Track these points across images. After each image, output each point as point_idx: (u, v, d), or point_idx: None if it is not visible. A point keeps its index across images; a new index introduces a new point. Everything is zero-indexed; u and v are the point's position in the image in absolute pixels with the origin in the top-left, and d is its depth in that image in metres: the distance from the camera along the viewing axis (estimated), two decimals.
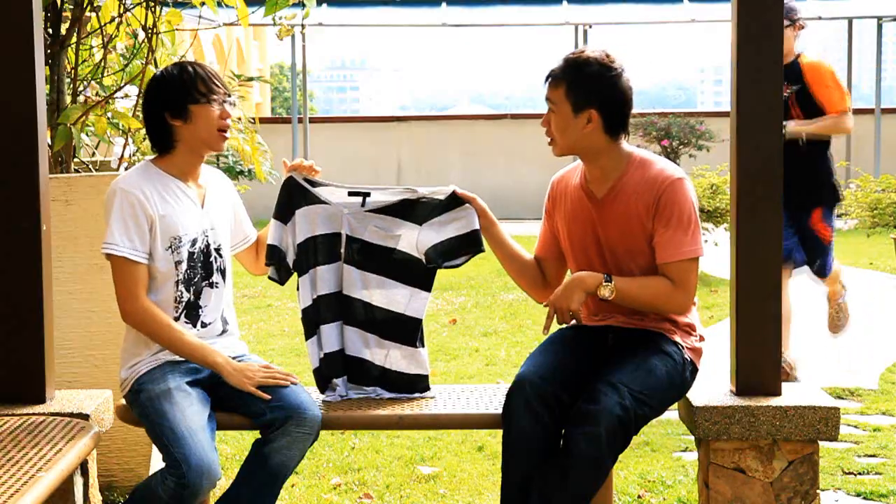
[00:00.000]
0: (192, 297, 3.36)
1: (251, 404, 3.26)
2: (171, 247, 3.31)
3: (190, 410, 3.15)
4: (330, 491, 4.50)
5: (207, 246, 3.39)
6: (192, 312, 3.36)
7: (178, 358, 3.30)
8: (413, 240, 3.51)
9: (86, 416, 3.49)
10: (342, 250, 3.52)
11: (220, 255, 3.44)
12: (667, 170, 3.37)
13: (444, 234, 3.50)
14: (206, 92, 3.33)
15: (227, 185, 3.56)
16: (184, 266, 3.33)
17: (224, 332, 3.45)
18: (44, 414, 3.46)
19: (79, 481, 3.41)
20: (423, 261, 3.51)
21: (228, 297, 3.49)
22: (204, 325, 3.38)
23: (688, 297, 3.34)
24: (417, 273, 3.52)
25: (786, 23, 5.25)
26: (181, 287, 3.33)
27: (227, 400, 3.31)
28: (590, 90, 3.32)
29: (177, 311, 3.33)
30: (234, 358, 3.41)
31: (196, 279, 3.36)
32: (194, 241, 3.35)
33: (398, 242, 3.51)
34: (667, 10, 18.90)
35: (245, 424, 3.32)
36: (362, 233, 3.52)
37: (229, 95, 3.38)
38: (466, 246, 3.49)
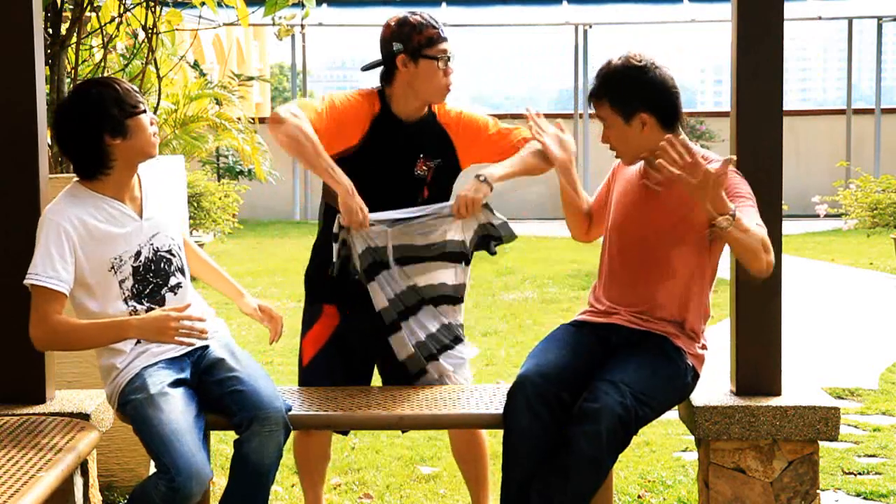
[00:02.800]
0: (154, 308, 3.30)
1: (223, 408, 3.26)
2: (112, 267, 3.27)
3: (174, 413, 3.14)
4: (330, 491, 4.50)
5: (155, 253, 3.34)
6: None
7: (152, 360, 3.27)
8: (458, 226, 3.62)
9: (86, 416, 3.49)
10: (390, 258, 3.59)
11: (173, 255, 3.39)
12: (716, 164, 3.34)
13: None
14: (136, 103, 3.28)
15: (165, 173, 3.47)
16: (129, 282, 3.28)
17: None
18: (44, 414, 3.46)
19: (79, 481, 3.41)
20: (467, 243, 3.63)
21: (191, 293, 3.45)
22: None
23: (772, 259, 3.25)
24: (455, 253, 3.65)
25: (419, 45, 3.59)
26: (132, 302, 3.29)
27: (207, 401, 3.30)
28: (631, 96, 3.32)
29: None
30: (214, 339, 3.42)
31: (148, 291, 3.30)
32: (137, 255, 3.30)
33: (445, 235, 3.61)
34: (667, 10, 18.91)
35: (228, 425, 3.30)
36: (409, 240, 3.61)
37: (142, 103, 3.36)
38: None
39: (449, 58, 3.62)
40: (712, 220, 3.13)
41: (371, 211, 3.55)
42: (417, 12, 3.67)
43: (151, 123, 3.31)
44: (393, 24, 3.68)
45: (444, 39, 3.62)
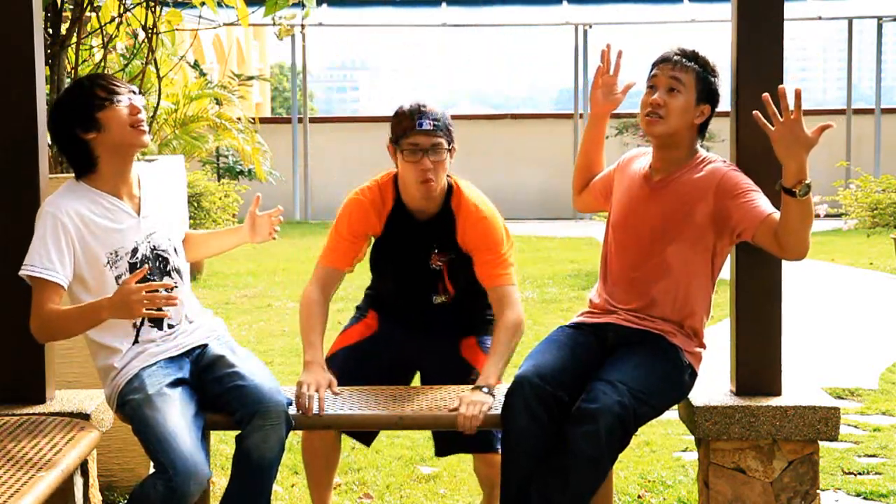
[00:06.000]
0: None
1: (224, 405, 3.27)
2: (109, 262, 3.27)
3: (172, 413, 3.14)
4: None
5: (153, 251, 3.35)
6: (155, 319, 3.31)
7: (151, 361, 3.28)
8: None
9: (86, 416, 3.49)
10: None
11: (171, 255, 3.39)
12: (720, 162, 3.45)
13: None
14: (107, 94, 3.27)
15: (166, 174, 3.45)
16: (125, 279, 3.26)
17: (190, 323, 3.42)
18: (44, 414, 3.46)
19: (79, 481, 3.41)
20: None
21: (188, 292, 3.45)
22: (171, 327, 3.36)
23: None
24: None
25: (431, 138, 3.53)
26: None
27: (207, 399, 3.31)
28: (712, 88, 3.43)
29: (133, 324, 3.30)
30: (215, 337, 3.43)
31: (142, 276, 3.29)
32: (134, 252, 3.31)
33: None
34: (667, 10, 18.91)
35: (228, 424, 3.30)
36: None
37: (134, 92, 3.33)
38: None
39: (424, 150, 3.51)
40: (792, 186, 3.10)
41: (394, 305, 3.73)
42: (419, 101, 3.59)
43: (133, 113, 3.28)
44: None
45: (420, 132, 3.51)
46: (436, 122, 3.52)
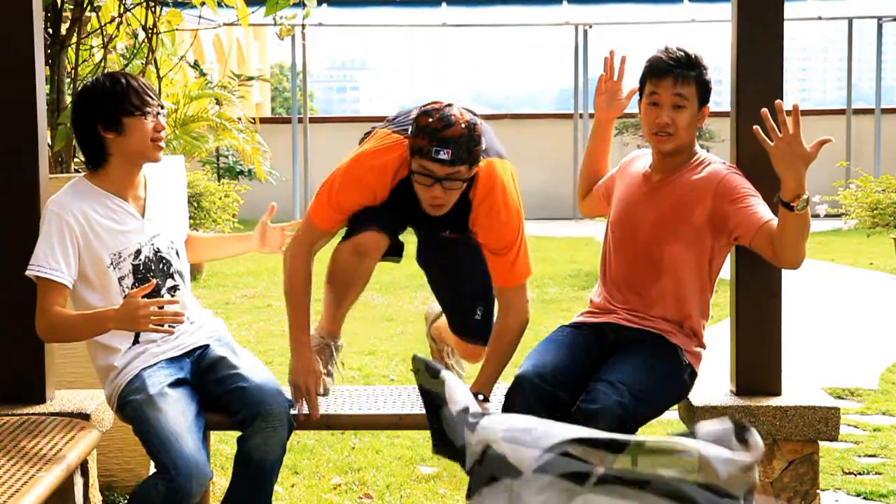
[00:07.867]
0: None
1: (225, 405, 3.27)
2: (112, 263, 3.28)
3: (173, 414, 3.15)
4: (330, 491, 4.50)
5: (156, 253, 3.35)
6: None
7: (152, 361, 3.28)
8: None
9: (86, 416, 3.49)
10: None
11: (173, 257, 3.40)
12: (719, 164, 3.43)
13: None
14: (140, 104, 3.27)
15: (172, 175, 3.45)
16: (128, 280, 3.28)
17: (191, 324, 3.43)
18: (44, 414, 3.46)
19: (79, 481, 3.42)
20: None
21: (188, 293, 3.46)
22: (172, 326, 3.36)
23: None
24: None
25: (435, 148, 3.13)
26: None
27: (208, 400, 3.31)
28: (707, 88, 3.42)
29: None
30: (216, 338, 3.43)
31: (150, 290, 3.28)
32: (138, 253, 3.31)
33: None
34: (667, 10, 18.90)
35: (229, 424, 3.30)
36: None
37: (162, 107, 3.34)
38: None
39: (437, 179, 3.13)
40: (790, 200, 3.08)
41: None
42: (448, 116, 3.15)
43: (157, 129, 3.30)
44: (421, 108, 3.25)
45: (436, 161, 3.11)
46: (456, 152, 3.09)
